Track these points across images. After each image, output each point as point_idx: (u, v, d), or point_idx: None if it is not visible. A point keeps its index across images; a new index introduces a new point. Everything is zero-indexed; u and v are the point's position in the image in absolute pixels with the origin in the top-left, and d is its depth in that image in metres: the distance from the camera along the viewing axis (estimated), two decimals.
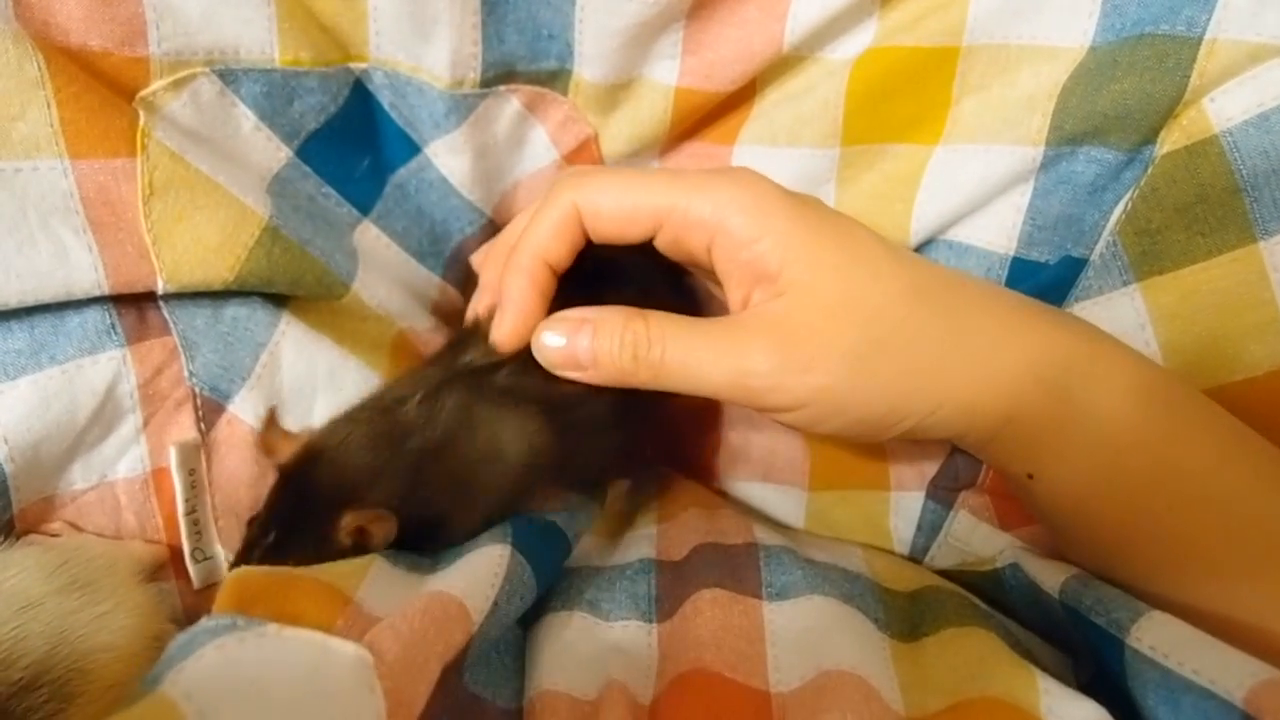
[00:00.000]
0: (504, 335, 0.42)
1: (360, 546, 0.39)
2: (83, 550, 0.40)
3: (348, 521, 0.39)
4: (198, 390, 0.43)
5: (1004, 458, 0.41)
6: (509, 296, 0.42)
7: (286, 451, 0.42)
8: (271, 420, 0.43)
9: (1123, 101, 0.41)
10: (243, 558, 0.41)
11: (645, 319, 0.40)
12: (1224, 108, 0.39)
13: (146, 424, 0.42)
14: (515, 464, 0.42)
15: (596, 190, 0.41)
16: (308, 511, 0.40)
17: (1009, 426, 0.39)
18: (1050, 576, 0.40)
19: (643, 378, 0.39)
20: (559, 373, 0.41)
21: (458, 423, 0.41)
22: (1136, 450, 0.38)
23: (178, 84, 0.42)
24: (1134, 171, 0.42)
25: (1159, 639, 0.33)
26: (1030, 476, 0.40)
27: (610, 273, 0.45)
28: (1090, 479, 0.39)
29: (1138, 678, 0.33)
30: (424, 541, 0.41)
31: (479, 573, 0.35)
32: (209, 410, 0.43)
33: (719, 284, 0.42)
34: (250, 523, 0.42)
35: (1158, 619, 0.34)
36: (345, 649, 0.29)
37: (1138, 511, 0.38)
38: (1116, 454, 0.38)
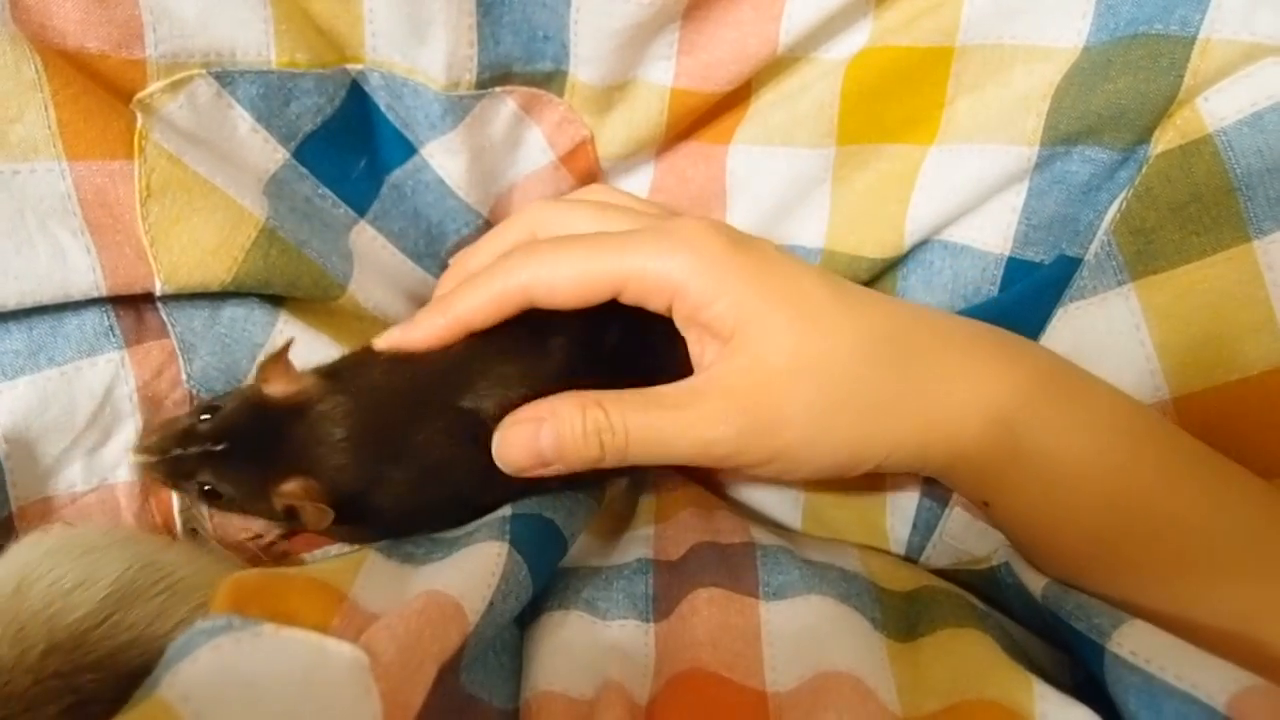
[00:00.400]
0: (419, 334, 0.42)
1: (287, 515, 0.40)
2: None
3: (289, 489, 0.39)
4: (195, 392, 0.43)
5: (959, 486, 0.43)
6: (417, 325, 0.42)
7: (278, 386, 0.41)
8: (284, 352, 0.42)
9: (1117, 101, 0.42)
10: (175, 439, 0.40)
11: (599, 403, 0.39)
12: (1218, 107, 0.39)
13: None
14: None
15: (551, 265, 0.41)
16: (261, 455, 0.40)
17: (959, 462, 0.40)
18: (1035, 579, 0.40)
19: (609, 461, 0.40)
20: (526, 474, 0.40)
21: (441, 456, 0.42)
22: (1090, 482, 0.39)
23: (175, 86, 0.42)
24: (1128, 171, 0.42)
25: (1140, 645, 0.33)
26: (986, 504, 0.42)
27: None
28: (1044, 509, 0.40)
29: (1119, 683, 0.33)
30: (357, 533, 0.42)
31: (476, 572, 0.36)
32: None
33: None
34: (203, 409, 0.41)
35: (1139, 626, 0.34)
36: (341, 650, 0.29)
37: (1092, 538, 0.39)
38: (1069, 486, 0.39)
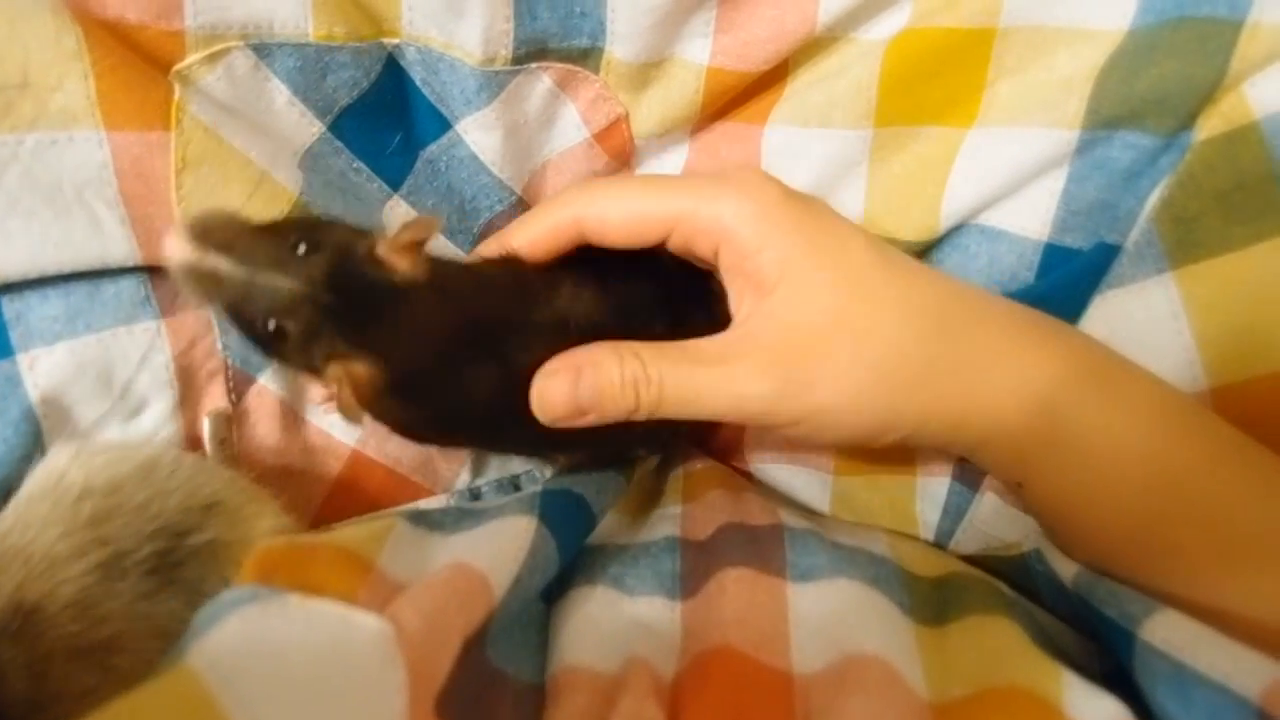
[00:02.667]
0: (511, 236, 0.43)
1: (329, 382, 0.37)
2: None
3: (340, 371, 0.36)
4: (230, 362, 0.44)
5: (992, 467, 0.43)
6: (501, 239, 0.44)
7: (404, 264, 0.38)
8: (429, 230, 0.38)
9: (1161, 85, 0.41)
10: (266, 260, 0.35)
11: (638, 355, 0.40)
12: (1265, 93, 0.39)
13: (182, 395, 0.43)
14: None
15: (605, 201, 0.42)
16: (344, 320, 0.36)
17: (992, 441, 0.40)
18: (1066, 565, 0.40)
19: (644, 413, 0.40)
20: (562, 424, 0.40)
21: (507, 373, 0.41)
22: (1127, 464, 0.38)
23: (212, 58, 0.42)
24: (1171, 157, 0.42)
25: (1171, 633, 0.32)
26: (1021, 485, 0.42)
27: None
28: (1080, 490, 0.40)
29: (1147, 671, 0.32)
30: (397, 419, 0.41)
31: (504, 545, 0.36)
32: (239, 381, 0.44)
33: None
34: (296, 230, 0.37)
35: (1170, 615, 0.34)
36: (367, 621, 0.29)
37: (1127, 522, 0.39)
38: (1106, 468, 0.39)
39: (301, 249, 0.36)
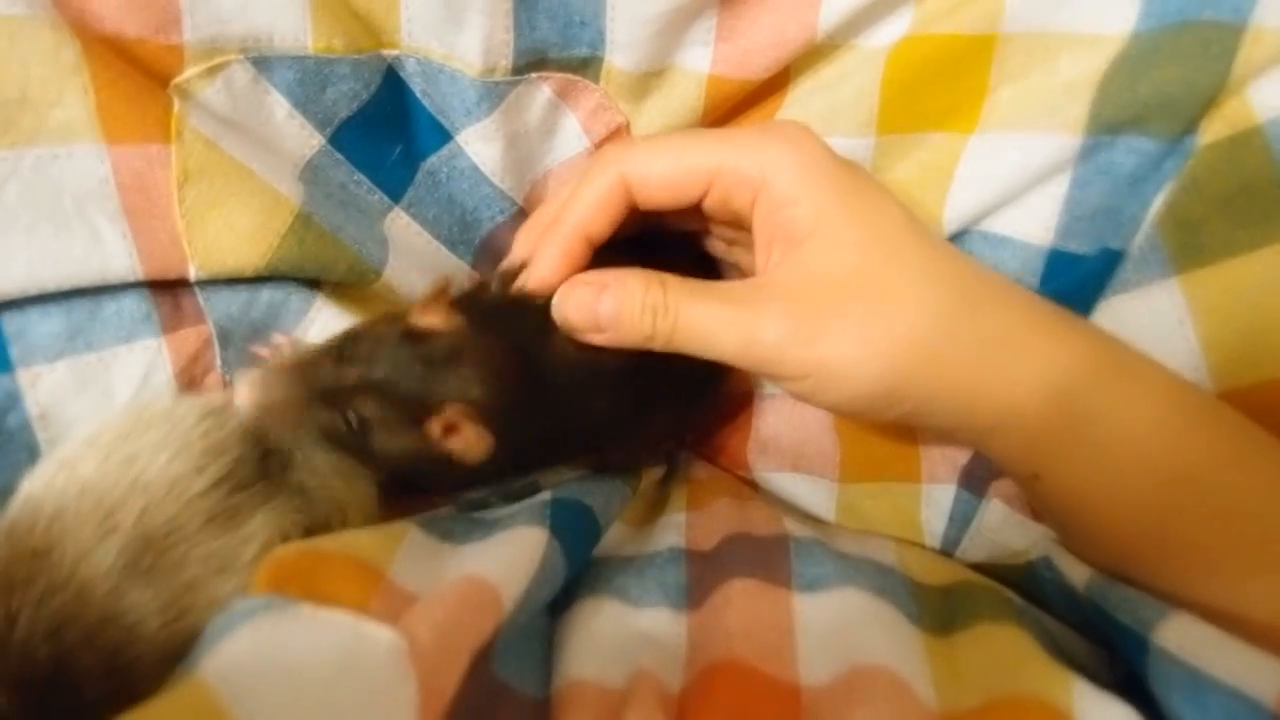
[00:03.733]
0: (544, 267, 0.43)
1: (437, 445, 0.39)
2: None
3: (453, 413, 0.39)
4: (228, 379, 0.43)
5: (1005, 455, 0.41)
6: (538, 262, 0.42)
7: (436, 320, 0.41)
8: (447, 289, 0.42)
9: (1164, 90, 0.41)
10: (327, 367, 0.39)
11: (663, 284, 0.40)
12: (1269, 97, 0.39)
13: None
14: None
15: (646, 157, 0.42)
16: (423, 382, 0.39)
17: (1004, 427, 0.39)
18: (1078, 571, 0.40)
19: (658, 341, 0.40)
20: (578, 335, 0.41)
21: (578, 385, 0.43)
22: (1146, 456, 0.38)
23: (211, 71, 0.42)
24: (1175, 162, 0.42)
25: (1185, 639, 0.32)
26: (1036, 476, 0.41)
27: (636, 246, 0.45)
28: (1098, 481, 0.39)
29: (1161, 677, 0.32)
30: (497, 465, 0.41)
31: (516, 559, 0.35)
32: None
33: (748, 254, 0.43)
34: (340, 342, 0.40)
35: (1185, 619, 0.33)
36: (380, 634, 0.29)
37: (1145, 515, 0.38)
38: (1126, 458, 0.38)
39: (346, 352, 0.39)
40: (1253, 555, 0.37)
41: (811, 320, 0.39)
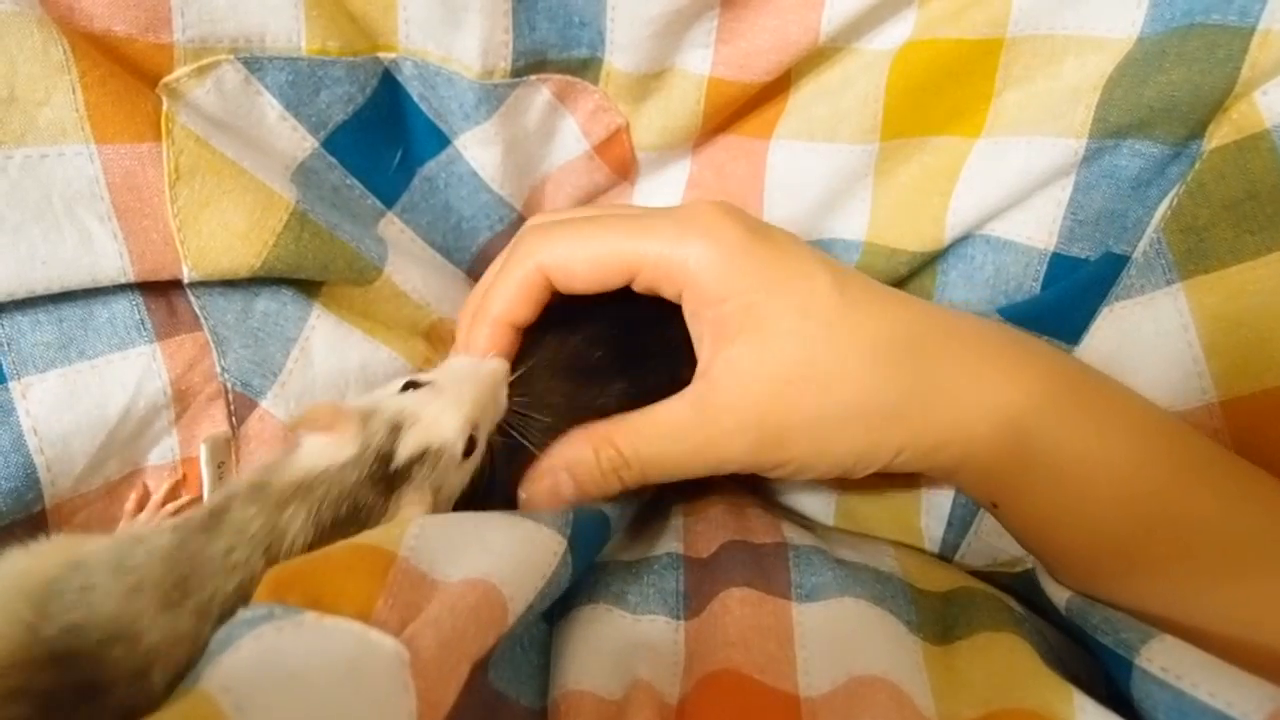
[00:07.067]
0: (478, 348, 0.44)
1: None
2: None
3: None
4: (229, 386, 0.43)
5: (968, 489, 0.43)
6: (470, 351, 0.44)
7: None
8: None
9: (1170, 93, 0.41)
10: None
11: (611, 440, 0.41)
12: (1276, 101, 0.38)
13: (179, 419, 0.42)
14: None
15: (565, 248, 0.42)
16: None
17: (967, 464, 0.40)
18: (1058, 591, 0.40)
19: (633, 488, 0.42)
20: None
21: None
22: (1098, 484, 0.38)
23: (201, 71, 0.41)
24: (1180, 166, 0.41)
25: (1170, 660, 0.32)
26: (995, 505, 0.42)
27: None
28: (1051, 511, 0.39)
29: (1148, 699, 0.32)
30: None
31: (530, 567, 0.34)
32: (240, 406, 0.43)
33: None
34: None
35: (1169, 641, 0.33)
36: (384, 643, 0.28)
37: (1102, 541, 0.39)
38: (1077, 488, 0.38)
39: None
40: (1215, 571, 0.37)
41: (767, 424, 0.40)
